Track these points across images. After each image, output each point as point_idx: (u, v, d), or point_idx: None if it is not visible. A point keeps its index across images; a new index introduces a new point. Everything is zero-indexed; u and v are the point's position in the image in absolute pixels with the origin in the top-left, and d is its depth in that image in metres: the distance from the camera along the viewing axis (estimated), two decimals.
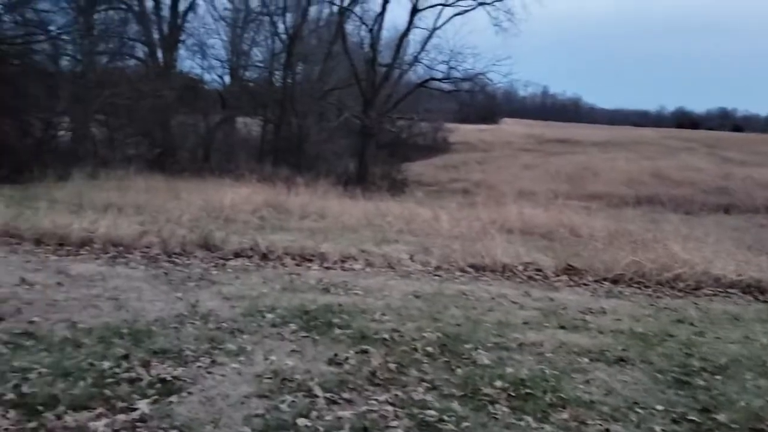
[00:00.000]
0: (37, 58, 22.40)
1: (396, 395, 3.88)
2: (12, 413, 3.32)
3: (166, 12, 27.51)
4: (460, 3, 29.11)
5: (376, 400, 3.79)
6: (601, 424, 3.67)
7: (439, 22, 29.04)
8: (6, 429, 3.16)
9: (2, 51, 19.00)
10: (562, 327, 5.77)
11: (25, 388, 3.62)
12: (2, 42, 19.41)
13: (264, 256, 8.46)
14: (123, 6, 27.40)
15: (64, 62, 25.39)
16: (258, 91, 30.96)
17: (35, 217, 9.09)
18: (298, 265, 8.20)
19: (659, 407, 3.94)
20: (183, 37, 28.63)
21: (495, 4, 28.76)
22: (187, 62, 36.72)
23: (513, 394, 4.02)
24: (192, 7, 28.44)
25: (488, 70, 29.37)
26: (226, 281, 6.98)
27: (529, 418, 3.69)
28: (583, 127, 60.82)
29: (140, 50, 29.22)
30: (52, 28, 21.93)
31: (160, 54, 27.12)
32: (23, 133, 20.37)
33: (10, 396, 3.50)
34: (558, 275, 8.28)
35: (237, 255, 8.50)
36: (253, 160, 26.61)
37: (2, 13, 20.62)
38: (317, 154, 26.91)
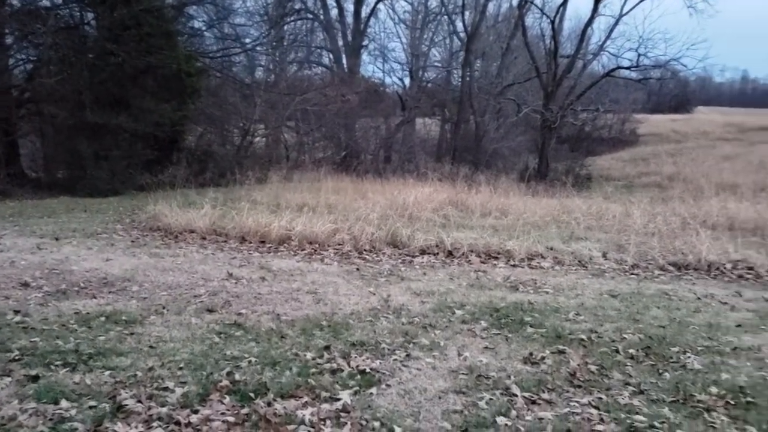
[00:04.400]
0: (234, 69, 24.44)
1: (599, 398, 3.68)
2: (227, 399, 3.57)
3: (349, 19, 28.76)
4: None
5: (577, 402, 3.63)
6: None
7: (626, 8, 27.38)
8: (222, 413, 3.39)
9: (205, 64, 20.83)
10: None
11: (237, 376, 3.89)
12: (205, 56, 21.29)
13: (449, 254, 8.53)
14: (309, 16, 29.11)
15: (258, 73, 27.56)
16: (436, 91, 31.32)
17: (239, 217, 9.88)
18: (483, 262, 8.17)
19: None
20: (365, 42, 29.74)
21: None
22: (370, 67, 38.18)
23: (732, 402, 3.67)
24: (374, 12, 29.45)
25: (681, 56, 27.35)
26: (414, 277, 7.11)
27: (753, 429, 3.35)
28: None
29: (326, 58, 30.93)
30: (247, 40, 23.75)
31: (344, 60, 28.39)
32: (224, 140, 22.32)
33: (225, 383, 3.77)
34: None
35: (423, 252, 8.66)
36: (432, 160, 26.99)
37: (204, 30, 22.71)
38: (495, 151, 26.60)
